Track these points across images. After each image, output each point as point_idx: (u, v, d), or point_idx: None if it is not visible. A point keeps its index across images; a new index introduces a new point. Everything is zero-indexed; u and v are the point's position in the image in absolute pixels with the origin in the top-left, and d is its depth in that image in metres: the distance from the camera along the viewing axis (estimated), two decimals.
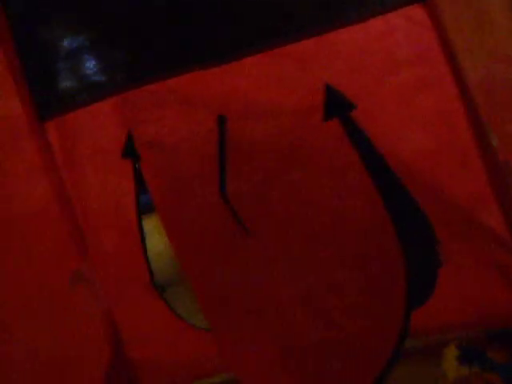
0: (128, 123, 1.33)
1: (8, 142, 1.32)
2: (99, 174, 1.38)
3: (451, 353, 1.31)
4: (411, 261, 1.17)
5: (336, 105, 1.18)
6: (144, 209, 1.42)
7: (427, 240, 1.24)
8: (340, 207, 1.24)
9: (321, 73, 1.18)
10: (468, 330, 1.35)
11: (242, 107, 1.24)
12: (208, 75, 1.24)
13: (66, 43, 1.34)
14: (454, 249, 1.24)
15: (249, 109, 1.23)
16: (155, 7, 1.26)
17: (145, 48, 1.30)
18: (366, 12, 1.13)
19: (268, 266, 1.31)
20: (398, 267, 1.20)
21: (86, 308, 1.39)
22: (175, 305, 1.47)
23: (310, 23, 1.16)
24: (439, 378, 1.29)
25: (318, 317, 1.29)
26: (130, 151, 1.34)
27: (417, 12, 1.12)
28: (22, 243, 1.31)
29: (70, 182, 1.39)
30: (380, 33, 1.14)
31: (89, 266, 1.40)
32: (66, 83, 1.36)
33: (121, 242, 1.43)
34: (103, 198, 1.40)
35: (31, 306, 1.29)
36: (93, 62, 1.34)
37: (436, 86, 1.16)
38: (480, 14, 0.87)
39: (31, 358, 1.27)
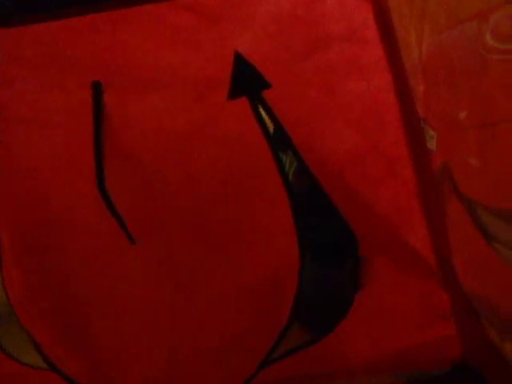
0: None
1: None
2: None
3: None
4: (322, 279, 1.00)
5: (246, 80, 0.94)
6: None
7: (347, 255, 1.03)
8: (241, 212, 1.00)
9: (231, 38, 0.94)
10: (379, 374, 1.15)
11: (126, 72, 0.95)
12: (82, 24, 0.94)
13: None
14: (375, 271, 1.04)
15: (134, 75, 0.95)
16: None
17: None
18: None
19: (151, 278, 1.04)
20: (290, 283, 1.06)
21: None
22: (7, 342, 1.14)
23: None
24: None
25: (198, 327, 1.07)
26: None
27: None
28: None
29: None
30: None
31: None
32: None
33: None
34: None
35: None
36: None
37: (368, 71, 0.96)
38: None
39: None
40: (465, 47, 0.68)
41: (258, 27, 0.94)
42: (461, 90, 0.73)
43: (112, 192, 0.97)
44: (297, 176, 1.11)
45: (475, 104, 0.70)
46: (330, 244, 1.10)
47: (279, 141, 1.02)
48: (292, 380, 1.13)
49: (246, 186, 0.99)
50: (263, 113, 0.96)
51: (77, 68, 0.96)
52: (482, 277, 0.92)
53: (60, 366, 1.09)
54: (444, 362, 1.12)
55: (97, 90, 0.94)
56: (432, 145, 0.92)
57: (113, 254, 1.01)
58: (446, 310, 1.09)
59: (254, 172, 0.98)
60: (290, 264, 1.04)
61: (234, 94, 0.94)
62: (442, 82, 0.78)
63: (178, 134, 0.96)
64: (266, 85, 0.94)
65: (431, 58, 0.78)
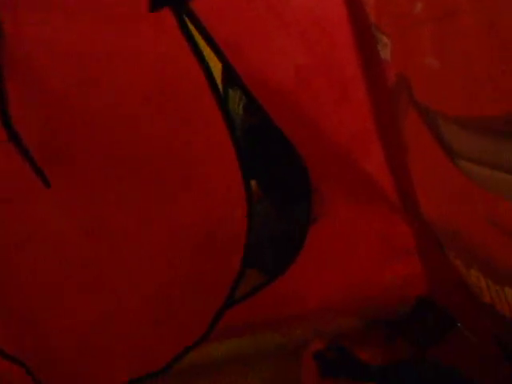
0: None
1: None
2: None
3: (309, 363, 0.99)
4: (271, 213, 0.89)
5: None
6: None
7: (297, 187, 0.93)
8: (174, 143, 0.87)
9: None
10: (340, 317, 1.07)
11: None
12: None
13: None
14: (329, 203, 0.93)
15: None
16: None
17: None
18: None
19: (76, 224, 0.91)
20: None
21: None
22: None
23: None
24: None
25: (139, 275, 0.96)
26: None
27: None
28: None
29: None
30: None
31: None
32: None
33: None
34: None
35: None
36: None
37: None
38: None
39: None
40: None
41: None
42: None
43: (19, 128, 0.82)
44: (247, 110, 1.01)
45: None
46: (280, 178, 1.00)
47: (228, 77, 0.92)
48: (251, 326, 1.06)
49: (177, 116, 0.86)
50: (193, 29, 0.83)
51: None
52: (445, 201, 0.83)
53: None
54: (407, 300, 1.06)
55: None
56: (385, 54, 0.80)
57: (27, 200, 0.87)
58: (409, 243, 1.02)
59: (186, 100, 0.85)
60: (236, 203, 0.93)
61: (154, 4, 0.80)
62: None
63: (92, 57, 0.81)
64: None
65: None
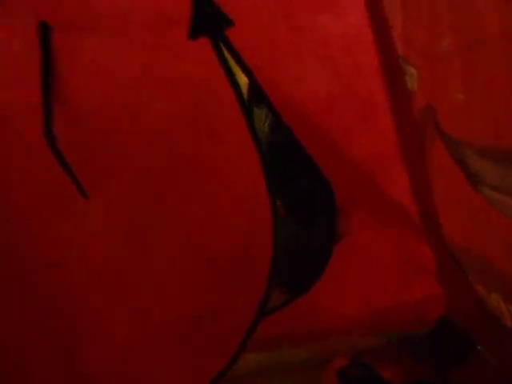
0: None
1: None
2: None
3: (332, 380, 1.02)
4: (295, 233, 0.95)
5: (207, 18, 0.84)
6: None
7: (323, 207, 0.96)
8: (204, 165, 0.91)
9: None
10: (359, 335, 1.09)
11: (75, 12, 0.83)
12: None
13: None
14: (353, 224, 0.96)
15: (84, 15, 0.83)
16: None
17: None
18: None
19: (113, 235, 0.94)
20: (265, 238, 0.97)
21: None
22: None
23: None
24: None
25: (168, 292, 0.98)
26: None
27: None
28: None
29: None
30: None
31: None
32: None
33: None
34: None
35: None
36: None
37: (340, 4, 0.86)
38: None
39: None
40: None
41: None
42: (444, 11, 0.65)
43: (60, 141, 0.86)
44: (272, 129, 1.03)
45: (460, 24, 0.62)
46: (304, 196, 1.02)
47: (254, 95, 0.94)
48: (276, 341, 1.07)
49: (209, 137, 0.90)
50: (227, 54, 0.87)
51: (23, 8, 0.85)
52: (468, 227, 0.85)
53: None
54: (426, 321, 1.07)
55: (44, 30, 0.83)
56: (412, 85, 0.84)
57: (65, 210, 0.90)
58: (430, 265, 1.03)
59: (218, 121, 0.89)
60: (262, 221, 0.96)
61: (194, 34, 0.84)
62: (424, 7, 0.70)
63: (134, 79, 0.85)
64: (229, 22, 0.84)
65: None
